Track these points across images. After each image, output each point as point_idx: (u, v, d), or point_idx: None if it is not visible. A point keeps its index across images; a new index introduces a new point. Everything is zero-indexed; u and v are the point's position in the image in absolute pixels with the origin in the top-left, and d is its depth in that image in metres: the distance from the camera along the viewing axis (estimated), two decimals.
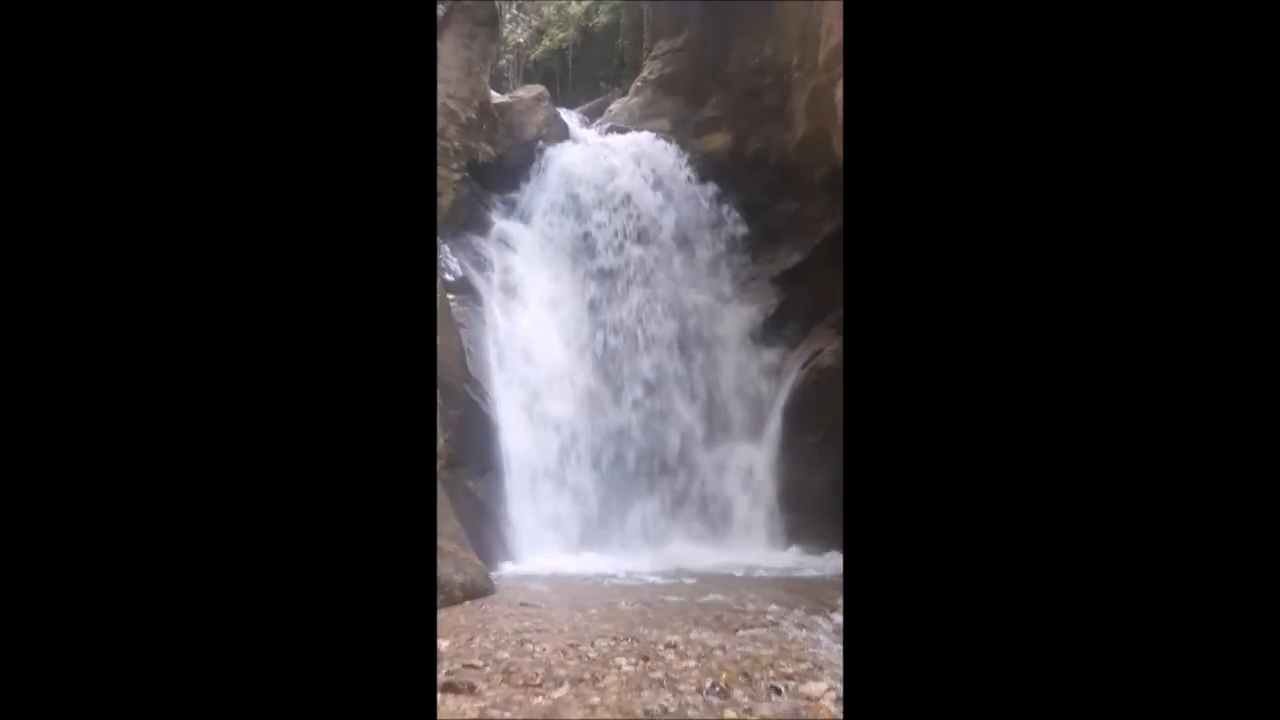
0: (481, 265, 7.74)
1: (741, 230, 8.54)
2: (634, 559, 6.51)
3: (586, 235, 8.24)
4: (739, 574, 6.02)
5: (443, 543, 4.92)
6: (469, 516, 6.03)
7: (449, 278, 7.14)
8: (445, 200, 7.61)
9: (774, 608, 4.45)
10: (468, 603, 4.72)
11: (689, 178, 8.63)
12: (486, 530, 6.23)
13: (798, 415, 7.25)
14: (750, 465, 7.32)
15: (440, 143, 7.63)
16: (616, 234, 8.25)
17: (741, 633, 3.99)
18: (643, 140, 8.88)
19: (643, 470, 7.25)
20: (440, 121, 7.71)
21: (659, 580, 5.66)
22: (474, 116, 8.34)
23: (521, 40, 12.06)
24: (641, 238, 8.26)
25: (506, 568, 6.09)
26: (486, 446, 6.57)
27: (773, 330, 8.02)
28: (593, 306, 7.96)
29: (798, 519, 6.85)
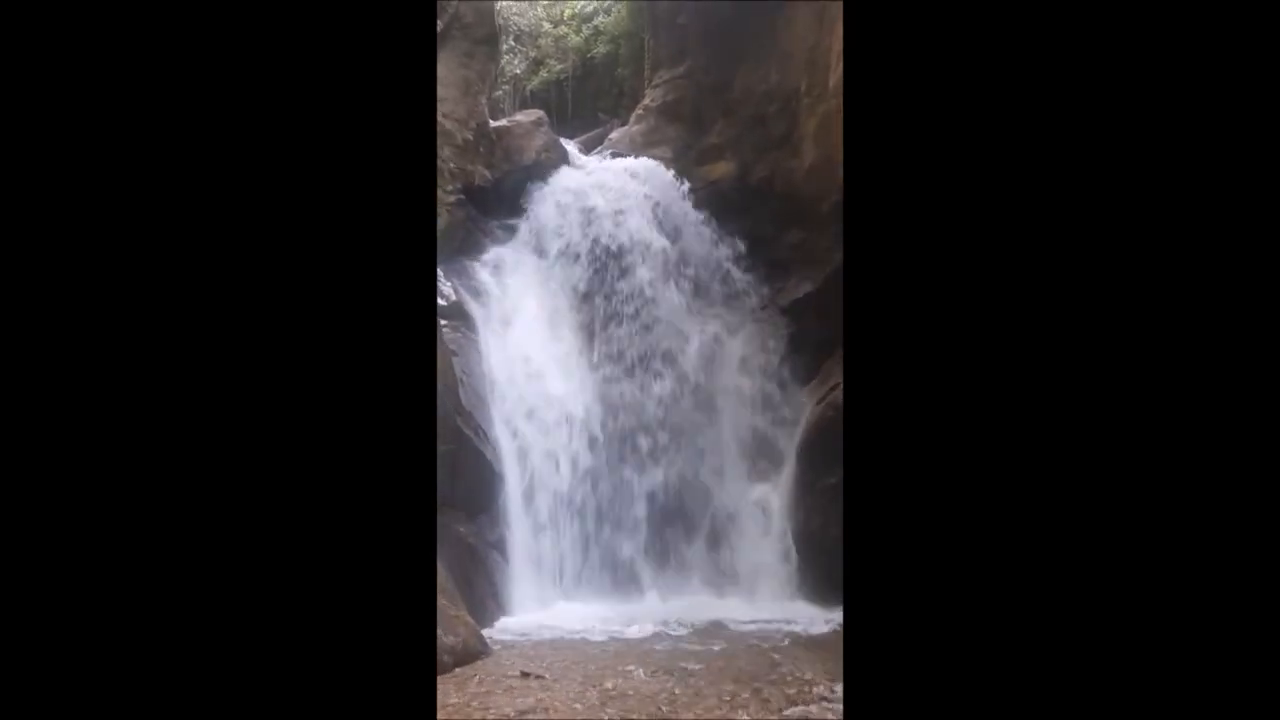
0: (476, 291, 7.05)
1: (748, 260, 7.93)
2: (641, 610, 5.75)
3: (587, 262, 7.58)
4: (756, 628, 5.28)
5: None
6: (459, 564, 5.26)
7: (441, 302, 6.45)
8: (439, 222, 6.96)
9: (819, 679, 3.71)
10: (459, 670, 3.94)
11: (693, 205, 8.03)
12: (479, 580, 5.45)
13: (814, 455, 6.56)
14: (764, 508, 6.60)
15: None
16: (618, 261, 7.60)
17: (790, 712, 3.26)
18: (645, 166, 8.29)
19: (649, 513, 6.50)
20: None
21: (673, 638, 4.91)
22: (470, 138, 7.74)
23: (519, 71, 11.55)
24: (644, 266, 7.61)
25: (501, 623, 5.30)
26: (480, 486, 5.81)
27: (784, 363, 7.37)
28: (593, 336, 7.27)
29: (817, 567, 6.11)
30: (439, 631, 4.01)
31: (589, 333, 7.29)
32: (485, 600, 5.38)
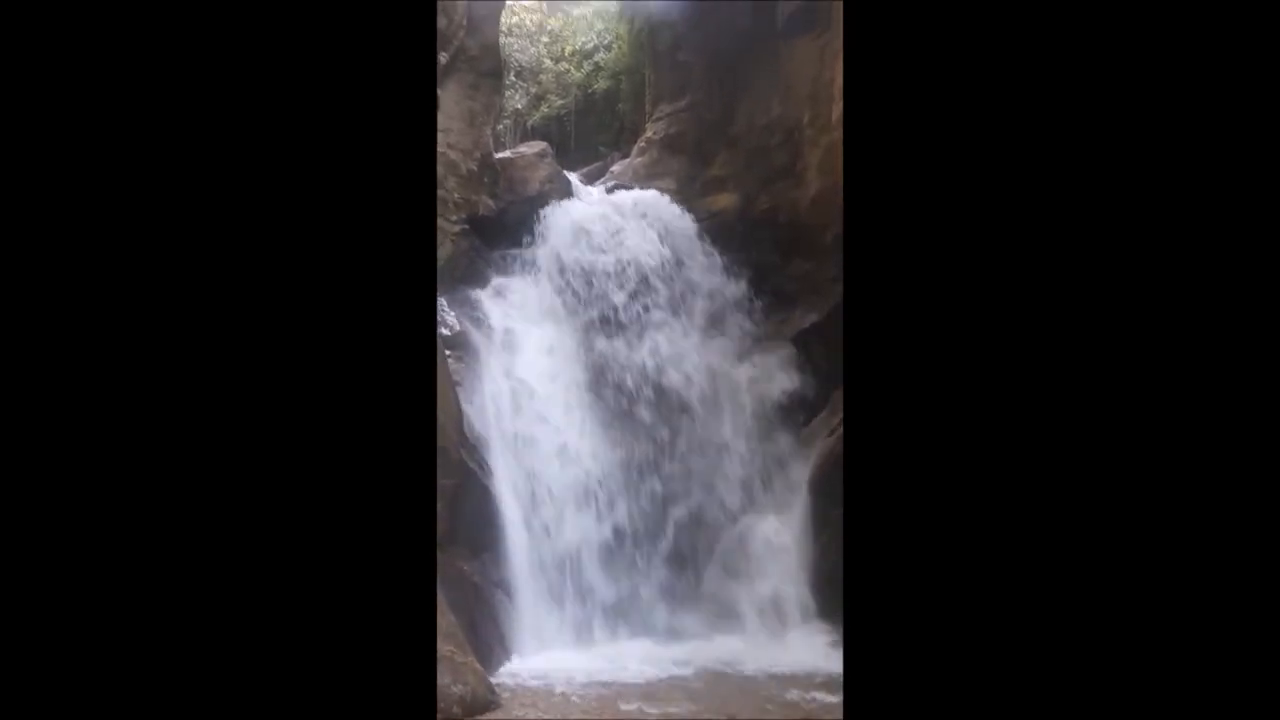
0: (479, 321, 6.82)
1: (753, 290, 7.74)
2: (651, 653, 5.44)
3: (591, 293, 7.38)
4: (777, 672, 4.97)
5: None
6: (464, 604, 4.95)
7: (445, 332, 6.22)
8: (443, 252, 6.76)
9: None
10: None
11: (696, 235, 7.87)
12: (484, 622, 5.12)
13: (826, 488, 6.28)
14: (777, 543, 6.30)
15: (439, 193, 6.83)
16: (622, 292, 7.41)
17: None
18: (648, 197, 8.15)
19: (658, 548, 6.20)
20: (440, 172, 6.92)
21: (690, 685, 4.59)
22: (475, 169, 7.58)
23: (520, 106, 11.46)
24: (648, 296, 7.42)
25: (507, 668, 4.97)
26: (484, 522, 5.51)
27: (792, 393, 7.13)
28: (599, 368, 7.04)
29: (836, 605, 5.79)
30: (447, 680, 3.69)
31: (594, 363, 7.06)
32: (491, 644, 5.05)
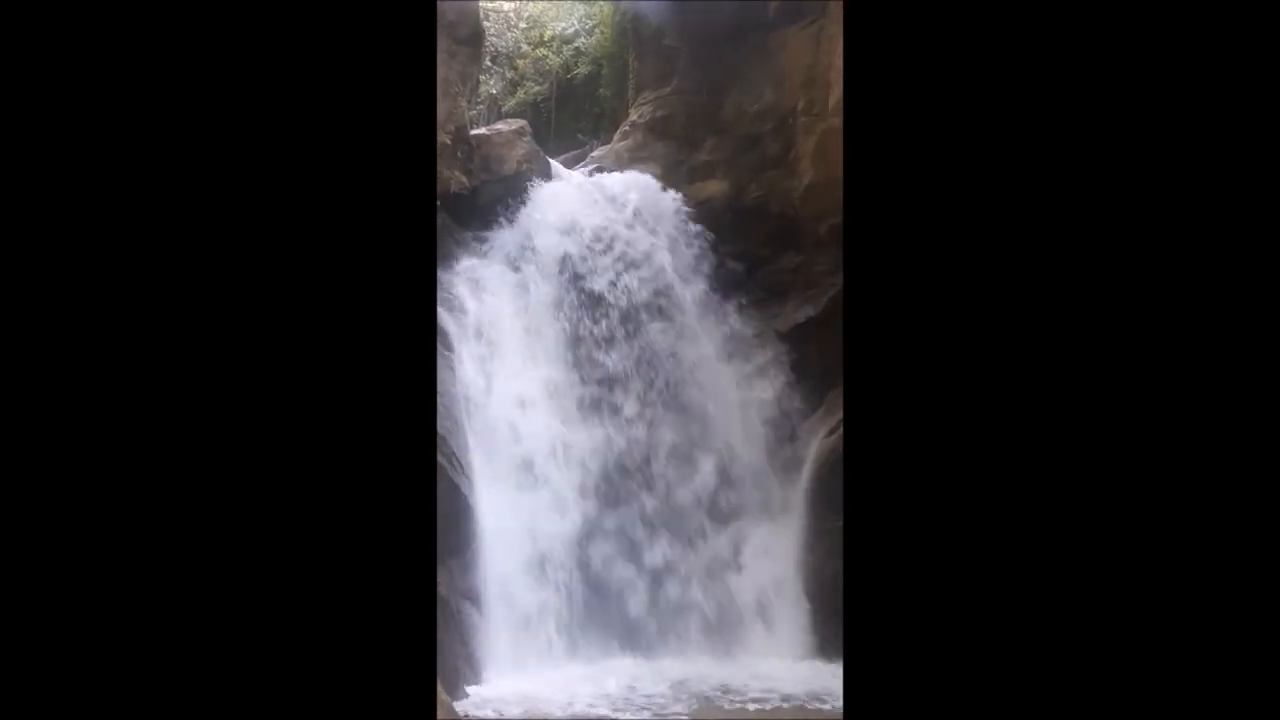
0: (450, 306, 6.14)
1: (743, 283, 7.20)
2: (635, 674, 4.82)
3: (570, 280, 6.75)
4: (775, 697, 4.38)
5: None
6: None
7: None
8: None
9: None
10: None
11: (684, 221, 7.29)
12: (450, 639, 4.45)
13: (823, 493, 5.75)
14: (768, 552, 5.73)
15: None
16: (604, 279, 6.80)
17: None
18: (633, 180, 7.55)
19: (643, 556, 5.57)
20: None
21: (678, 714, 3.98)
22: (448, 142, 6.89)
23: (495, 91, 10.80)
24: (631, 284, 6.81)
25: (475, 692, 4.29)
26: (452, 524, 4.83)
27: (784, 394, 6.59)
28: (578, 360, 6.41)
29: (831, 620, 5.23)
30: None
31: (574, 356, 6.42)
32: (457, 664, 4.38)
